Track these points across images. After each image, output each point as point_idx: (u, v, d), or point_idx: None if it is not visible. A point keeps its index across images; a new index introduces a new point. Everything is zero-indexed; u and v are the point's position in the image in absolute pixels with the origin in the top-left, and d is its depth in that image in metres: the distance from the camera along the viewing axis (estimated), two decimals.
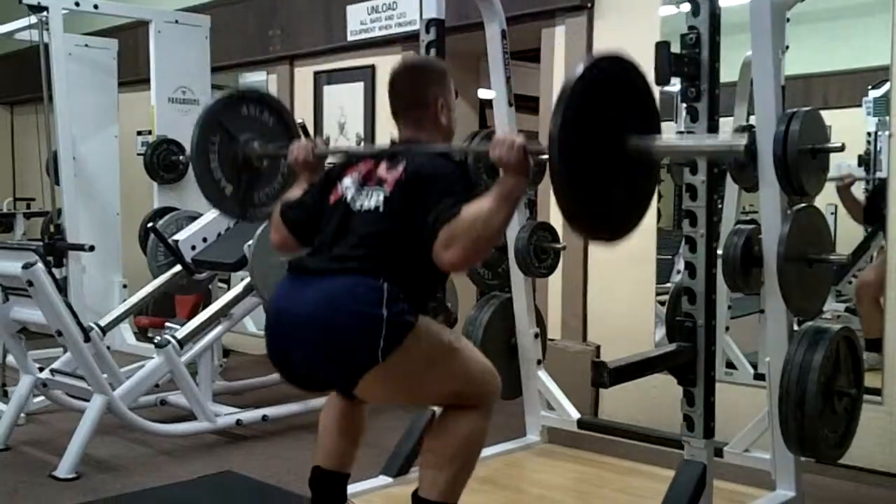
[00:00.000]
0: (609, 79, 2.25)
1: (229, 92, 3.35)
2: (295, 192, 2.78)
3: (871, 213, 4.24)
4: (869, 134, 4.37)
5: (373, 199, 2.48)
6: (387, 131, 5.88)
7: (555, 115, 2.13)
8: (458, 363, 2.52)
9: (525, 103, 4.50)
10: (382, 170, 2.52)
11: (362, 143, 5.87)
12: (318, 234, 2.58)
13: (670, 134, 2.28)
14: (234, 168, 3.30)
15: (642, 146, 2.27)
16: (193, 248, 4.60)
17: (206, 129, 3.25)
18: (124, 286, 5.94)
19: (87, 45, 6.03)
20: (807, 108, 2.79)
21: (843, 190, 4.34)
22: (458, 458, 2.51)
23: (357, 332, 2.32)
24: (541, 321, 3.95)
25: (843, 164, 4.29)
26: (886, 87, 3.80)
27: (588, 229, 2.35)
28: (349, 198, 2.54)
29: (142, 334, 6.07)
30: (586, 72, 2.19)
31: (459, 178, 2.42)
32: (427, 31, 3.52)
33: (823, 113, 2.89)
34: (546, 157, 2.17)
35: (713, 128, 2.73)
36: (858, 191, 4.37)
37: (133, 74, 6.63)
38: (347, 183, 2.58)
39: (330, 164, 2.82)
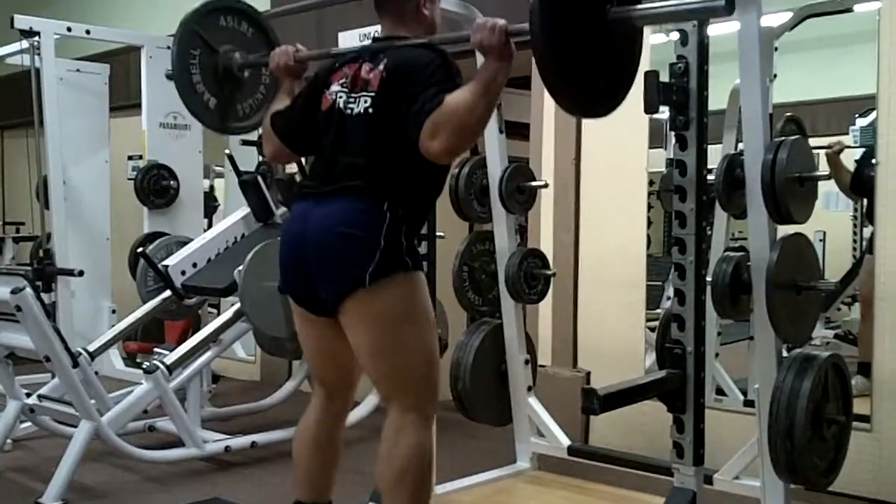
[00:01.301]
0: None
1: (204, 2, 3.32)
2: (280, 102, 2.80)
3: (858, 182, 4.23)
4: (856, 162, 4.41)
5: (361, 103, 2.51)
6: None
7: None
8: (427, 335, 2.55)
9: (516, 130, 4.52)
10: (365, 71, 2.54)
11: None
12: (315, 144, 2.62)
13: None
14: (216, 80, 3.26)
15: (623, 15, 2.25)
16: (183, 273, 4.58)
17: (185, 41, 3.22)
18: (113, 311, 5.92)
19: (78, 70, 6.03)
20: (794, 137, 2.81)
21: (833, 157, 4.35)
22: (409, 474, 2.50)
23: (352, 252, 2.41)
24: (531, 347, 3.95)
25: (831, 192, 4.32)
26: (873, 115, 3.83)
27: (574, 103, 2.32)
28: (341, 104, 2.56)
29: (130, 360, 6.05)
30: None
31: (440, 67, 2.42)
32: None
33: (811, 141, 2.92)
34: (528, 36, 2.14)
35: (702, 157, 2.74)
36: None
37: (124, 99, 6.64)
38: (336, 88, 2.59)
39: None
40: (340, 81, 2.59)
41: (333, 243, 2.44)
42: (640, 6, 2.28)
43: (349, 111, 2.53)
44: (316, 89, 2.67)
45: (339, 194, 2.47)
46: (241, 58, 3.25)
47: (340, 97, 2.57)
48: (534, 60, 2.15)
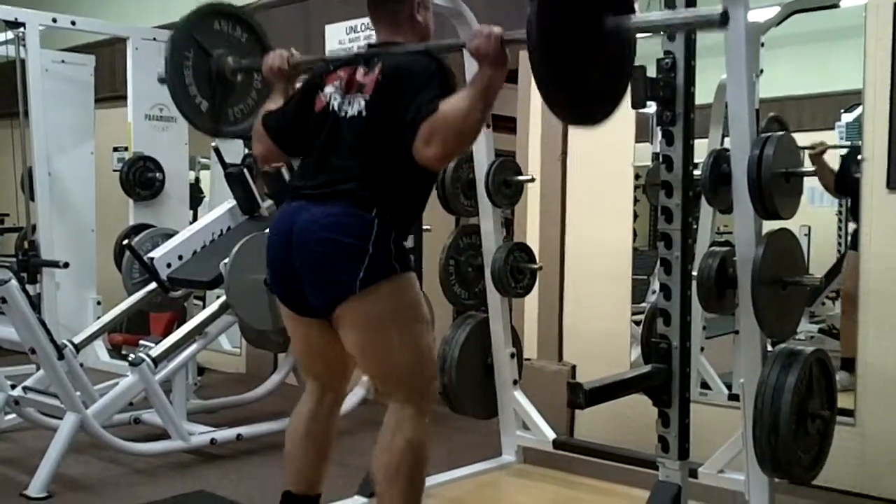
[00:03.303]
0: None
1: (200, 6, 3.33)
2: (273, 103, 2.80)
3: (842, 182, 4.24)
4: (842, 157, 4.43)
5: (355, 106, 2.52)
6: None
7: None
8: (419, 332, 2.57)
9: (503, 124, 4.52)
10: (360, 75, 2.55)
11: None
12: (307, 145, 2.62)
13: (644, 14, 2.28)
14: (209, 83, 3.27)
15: (619, 24, 2.25)
16: (169, 265, 4.57)
17: (179, 44, 3.22)
18: (98, 303, 5.91)
19: (63, 62, 6.01)
20: (780, 133, 2.82)
21: (816, 158, 4.35)
22: (404, 469, 2.52)
23: (341, 259, 2.42)
24: (517, 341, 3.96)
25: (816, 188, 4.34)
26: (859, 111, 3.85)
27: (570, 112, 2.33)
28: (335, 106, 2.56)
29: (115, 352, 6.03)
30: None
31: (436, 73, 2.43)
32: None
33: (797, 136, 2.93)
34: (524, 45, 2.15)
35: (688, 152, 2.75)
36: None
37: (110, 91, 6.62)
38: (330, 90, 2.60)
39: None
40: (335, 83, 2.60)
41: (322, 249, 2.44)
42: (635, 16, 2.29)
43: (343, 113, 2.54)
44: (310, 90, 2.67)
45: (329, 198, 2.47)
46: (235, 62, 3.26)
47: (335, 99, 2.57)
48: (528, 61, 2.15)
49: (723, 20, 2.17)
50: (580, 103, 2.27)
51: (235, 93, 3.34)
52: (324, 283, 2.47)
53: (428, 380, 2.64)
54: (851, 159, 4.06)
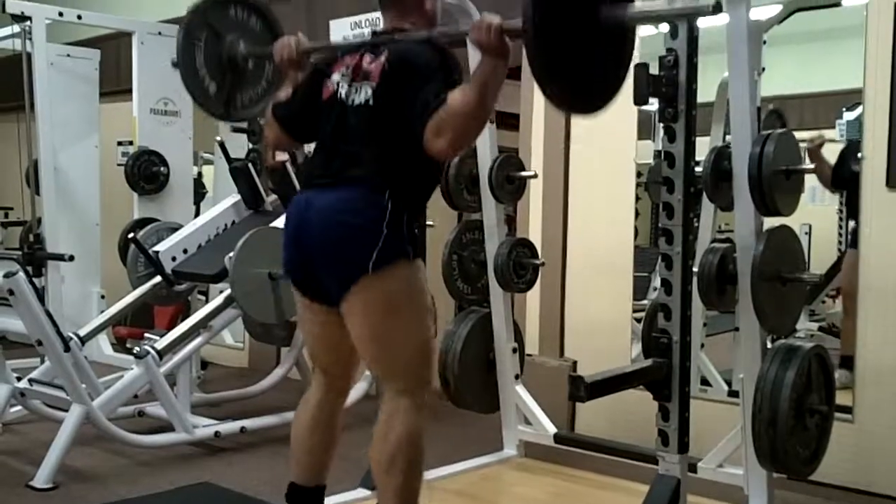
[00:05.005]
0: None
1: None
2: (283, 92, 2.83)
3: (838, 177, 4.26)
4: (841, 151, 4.44)
5: (362, 94, 2.55)
6: None
7: None
8: (423, 323, 2.60)
9: (506, 120, 4.55)
10: (367, 62, 2.58)
11: None
12: (316, 132, 2.66)
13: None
14: (220, 67, 3.30)
15: (616, 15, 2.27)
16: (174, 259, 4.60)
17: (193, 26, 3.25)
18: (102, 297, 5.93)
19: (69, 55, 6.02)
20: (781, 130, 2.85)
21: (814, 151, 4.37)
22: (400, 458, 2.54)
23: (357, 242, 2.46)
24: (519, 336, 3.99)
25: (817, 185, 4.35)
26: (860, 109, 3.87)
27: (565, 100, 2.36)
28: (343, 94, 2.60)
29: (119, 345, 6.06)
30: None
31: (442, 63, 2.46)
32: None
33: (798, 134, 2.96)
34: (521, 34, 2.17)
35: (690, 148, 2.77)
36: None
37: (114, 85, 6.63)
38: (337, 78, 2.63)
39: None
40: (341, 71, 2.63)
41: (336, 232, 2.49)
42: (631, 6, 2.31)
43: (350, 101, 2.57)
44: (317, 78, 2.70)
45: (341, 184, 2.52)
46: (246, 48, 3.29)
47: (342, 87, 2.60)
48: (524, 55, 2.18)
49: (716, 7, 2.20)
50: (575, 92, 2.30)
51: (246, 79, 3.37)
52: (338, 264, 2.51)
53: (427, 371, 2.66)
54: (850, 153, 4.07)
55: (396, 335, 2.56)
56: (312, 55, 2.86)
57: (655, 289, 4.17)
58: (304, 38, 2.85)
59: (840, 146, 4.41)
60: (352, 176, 2.51)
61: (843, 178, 4.17)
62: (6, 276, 3.64)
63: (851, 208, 4.18)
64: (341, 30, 5.70)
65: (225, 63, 3.29)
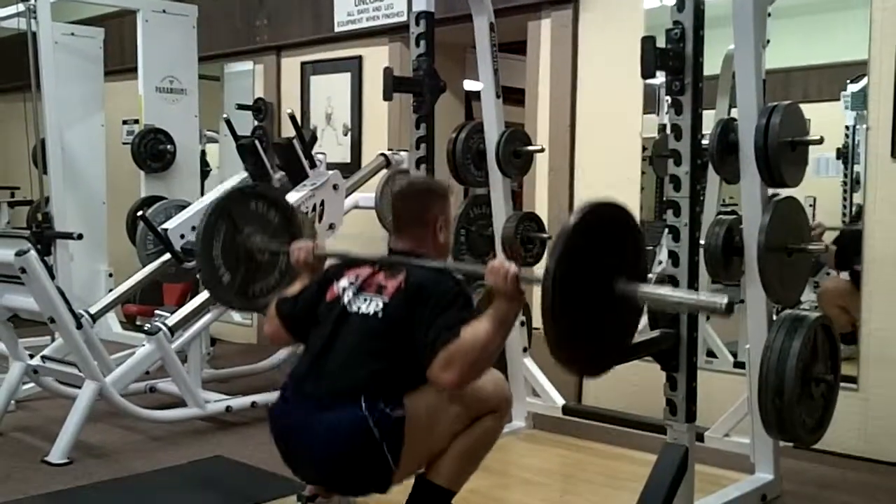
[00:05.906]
0: (603, 223, 2.36)
1: (243, 186, 3.51)
2: (292, 289, 2.88)
3: (842, 259, 4.30)
4: (847, 128, 4.45)
5: (371, 305, 2.57)
6: (373, 122, 5.92)
7: (553, 250, 2.23)
8: (460, 402, 2.58)
9: (511, 95, 4.55)
10: (382, 277, 2.62)
11: (349, 134, 5.91)
12: (311, 331, 2.67)
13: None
14: (235, 258, 3.47)
15: (629, 291, 2.33)
16: (182, 236, 4.62)
17: (216, 215, 3.44)
18: (110, 275, 5.96)
19: (73, 34, 6.04)
20: (787, 102, 2.86)
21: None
22: (470, 453, 2.62)
23: (364, 464, 2.47)
24: (527, 310, 4.01)
25: (821, 157, 4.36)
26: (864, 81, 3.88)
27: (575, 364, 2.43)
28: (346, 300, 2.63)
29: (130, 322, 6.11)
30: (585, 214, 2.30)
31: (458, 296, 2.50)
32: (417, 24, 3.60)
33: (803, 106, 2.97)
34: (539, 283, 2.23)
35: (696, 121, 2.78)
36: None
37: (119, 63, 6.65)
38: (345, 284, 2.67)
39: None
40: (350, 278, 2.66)
41: (344, 469, 2.50)
42: (643, 287, 2.36)
43: (356, 308, 2.59)
44: (326, 281, 2.74)
45: (334, 402, 2.48)
46: (263, 242, 3.43)
47: (348, 293, 2.63)
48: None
49: None
50: (584, 356, 2.38)
51: (260, 271, 3.53)
52: (359, 484, 2.58)
53: (495, 398, 2.67)
54: (848, 238, 4.10)
55: (448, 430, 2.58)
56: (327, 260, 2.91)
57: (661, 262, 4.18)
58: (321, 243, 2.97)
59: (848, 122, 4.40)
60: (342, 389, 2.48)
61: (846, 260, 4.20)
62: (18, 254, 3.67)
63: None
64: (345, 6, 5.72)
65: (242, 255, 3.46)
